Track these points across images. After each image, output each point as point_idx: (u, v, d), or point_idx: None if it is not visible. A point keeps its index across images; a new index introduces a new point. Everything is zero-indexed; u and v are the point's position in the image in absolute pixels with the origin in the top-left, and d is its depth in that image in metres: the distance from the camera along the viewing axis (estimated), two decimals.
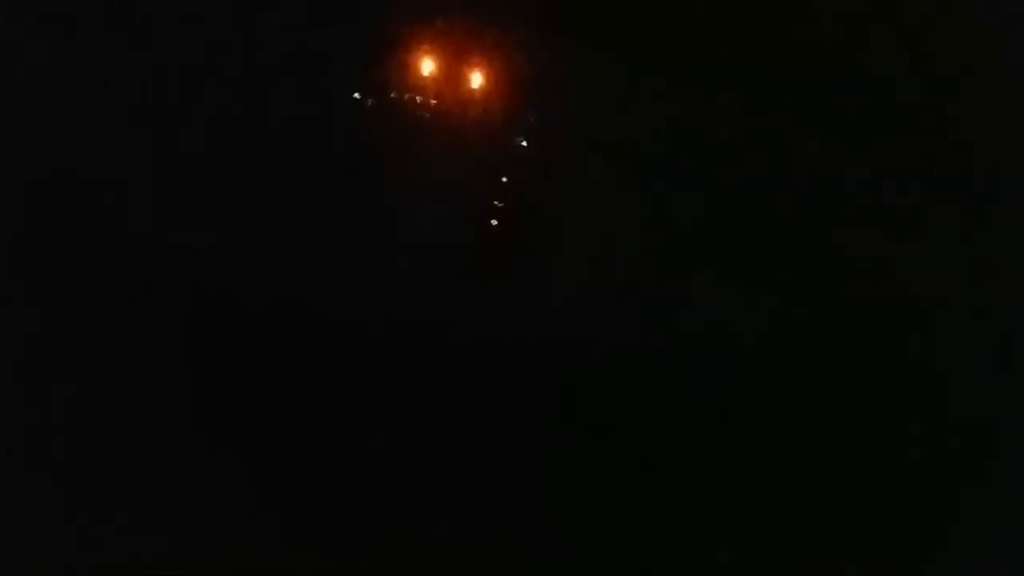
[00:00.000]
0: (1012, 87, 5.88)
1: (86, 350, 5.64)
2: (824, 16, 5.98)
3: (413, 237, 5.93)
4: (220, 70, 5.89)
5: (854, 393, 5.86)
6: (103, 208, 5.75)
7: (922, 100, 5.98)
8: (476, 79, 6.12)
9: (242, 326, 5.74)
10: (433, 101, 6.12)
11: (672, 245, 6.00)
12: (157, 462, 5.52)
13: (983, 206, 5.95)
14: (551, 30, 5.99)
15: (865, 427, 5.82)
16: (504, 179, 6.13)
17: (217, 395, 5.68)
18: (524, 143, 6.13)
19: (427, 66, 6.10)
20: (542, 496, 5.75)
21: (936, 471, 5.73)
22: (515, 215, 6.09)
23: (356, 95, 6.10)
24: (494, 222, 6.10)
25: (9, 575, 5.34)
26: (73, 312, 5.66)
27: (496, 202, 6.10)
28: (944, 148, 5.95)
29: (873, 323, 5.96)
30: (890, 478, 5.75)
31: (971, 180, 5.97)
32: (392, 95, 6.11)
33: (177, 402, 5.64)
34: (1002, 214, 5.92)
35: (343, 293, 5.80)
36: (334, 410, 5.74)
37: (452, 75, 6.11)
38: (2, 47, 5.75)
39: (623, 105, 6.03)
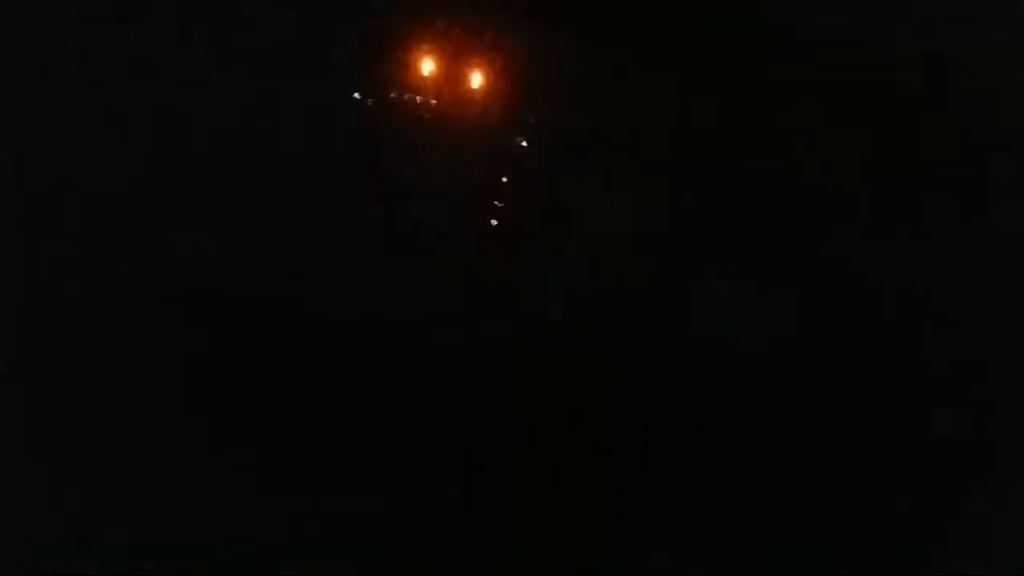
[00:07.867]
0: (1013, 85, 5.88)
1: (85, 350, 5.65)
2: (825, 16, 5.98)
3: (413, 237, 5.93)
4: (221, 70, 5.90)
5: (859, 393, 5.86)
6: (103, 208, 5.76)
7: (922, 99, 5.99)
8: (476, 79, 6.12)
9: (242, 326, 5.74)
10: (433, 101, 6.12)
11: (672, 244, 6.00)
12: (154, 461, 5.53)
13: (983, 205, 5.96)
14: (552, 30, 6.00)
15: (870, 427, 5.82)
16: (504, 179, 6.13)
17: (217, 395, 5.69)
18: (524, 143, 6.14)
19: (427, 66, 6.11)
20: (542, 497, 5.75)
21: (940, 470, 5.74)
22: (515, 215, 6.09)
23: (356, 95, 6.10)
24: (494, 222, 6.10)
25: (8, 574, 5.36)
26: (73, 312, 5.68)
27: (496, 202, 6.11)
28: (944, 147, 5.96)
29: (875, 323, 5.96)
30: (896, 476, 5.75)
31: (971, 179, 5.97)
32: (392, 95, 6.12)
33: (176, 401, 5.64)
34: (1002, 213, 5.93)
35: (342, 293, 5.81)
36: (333, 409, 5.74)
37: (452, 75, 6.12)
38: (2, 48, 5.78)
39: (623, 105, 6.03)
